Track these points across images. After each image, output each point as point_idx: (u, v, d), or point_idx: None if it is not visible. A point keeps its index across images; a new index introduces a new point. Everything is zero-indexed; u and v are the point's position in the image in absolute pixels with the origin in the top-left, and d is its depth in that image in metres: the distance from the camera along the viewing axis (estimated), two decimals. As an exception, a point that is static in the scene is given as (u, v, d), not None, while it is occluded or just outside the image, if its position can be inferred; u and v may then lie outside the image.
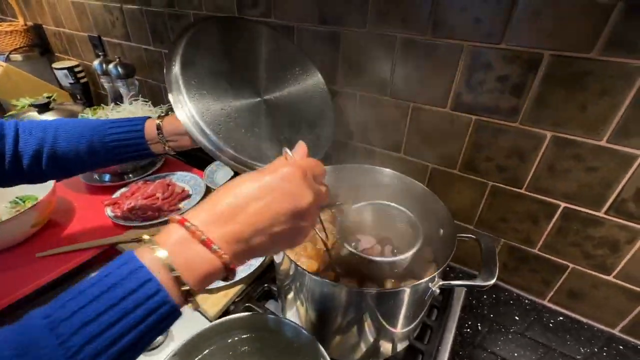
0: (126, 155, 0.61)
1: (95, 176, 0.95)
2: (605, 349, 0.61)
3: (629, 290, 0.59)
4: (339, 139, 0.81)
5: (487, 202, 0.67)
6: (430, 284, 0.46)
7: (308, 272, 0.45)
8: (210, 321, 0.59)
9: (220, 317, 0.59)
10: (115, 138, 0.59)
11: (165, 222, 0.60)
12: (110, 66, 1.06)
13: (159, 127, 0.60)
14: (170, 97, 0.55)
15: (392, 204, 0.56)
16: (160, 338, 0.56)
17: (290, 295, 0.53)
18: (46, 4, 1.38)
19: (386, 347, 0.53)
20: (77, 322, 0.24)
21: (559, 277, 0.65)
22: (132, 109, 1.01)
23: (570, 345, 0.62)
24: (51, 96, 1.11)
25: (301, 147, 0.38)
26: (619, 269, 0.58)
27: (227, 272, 0.30)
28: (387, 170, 0.63)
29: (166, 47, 1.07)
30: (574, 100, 0.51)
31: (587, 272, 0.62)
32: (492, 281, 0.45)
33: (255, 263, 0.68)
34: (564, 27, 0.48)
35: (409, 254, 0.49)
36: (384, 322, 0.48)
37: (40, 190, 0.76)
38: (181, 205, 0.86)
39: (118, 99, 1.14)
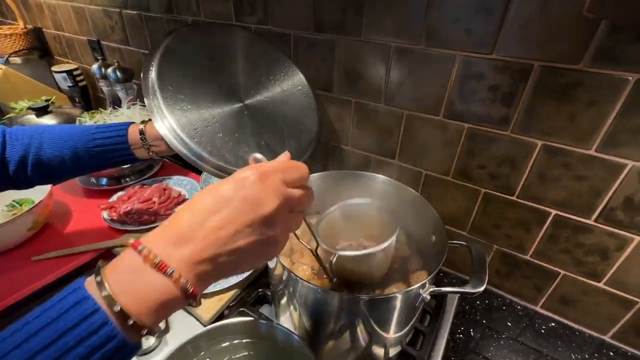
0: (110, 160, 0.61)
1: (92, 180, 0.96)
2: (596, 355, 0.62)
3: (618, 297, 0.60)
4: (333, 144, 0.82)
5: (480, 208, 0.68)
6: (421, 290, 0.46)
7: (300, 278, 0.46)
8: (205, 326, 0.59)
9: (214, 321, 0.60)
10: (99, 144, 0.59)
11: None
12: (109, 70, 1.07)
13: (142, 132, 0.59)
14: (146, 101, 0.55)
15: (361, 201, 0.53)
16: (154, 342, 0.57)
17: (284, 301, 0.54)
18: (46, 7, 1.39)
19: (378, 352, 0.53)
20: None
21: (550, 284, 0.66)
22: (130, 113, 1.02)
23: (561, 351, 0.62)
24: (50, 99, 1.12)
25: (285, 154, 0.37)
26: (608, 275, 0.59)
27: (187, 297, 0.27)
28: (380, 176, 0.63)
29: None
30: (563, 110, 0.52)
31: (578, 278, 0.62)
32: (482, 288, 0.46)
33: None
34: (553, 39, 0.49)
35: (390, 242, 0.47)
36: (376, 328, 0.48)
37: (37, 194, 0.76)
38: (177, 209, 0.86)
39: (116, 103, 1.15)
